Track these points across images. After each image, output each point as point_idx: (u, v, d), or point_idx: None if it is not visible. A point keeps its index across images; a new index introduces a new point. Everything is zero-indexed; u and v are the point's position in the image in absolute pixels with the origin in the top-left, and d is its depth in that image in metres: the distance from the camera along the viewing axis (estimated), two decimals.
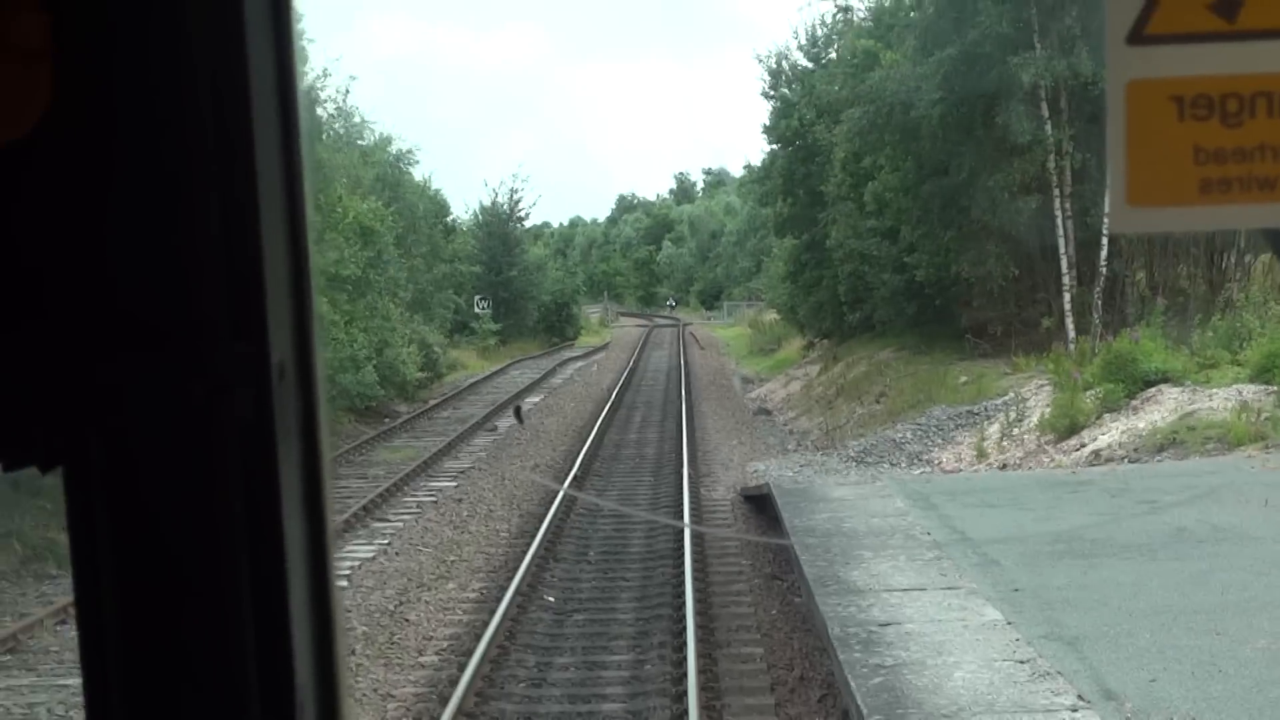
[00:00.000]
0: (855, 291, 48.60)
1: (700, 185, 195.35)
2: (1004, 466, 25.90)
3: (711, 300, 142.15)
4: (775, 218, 60.82)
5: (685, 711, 13.19)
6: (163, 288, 1.22)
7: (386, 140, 59.45)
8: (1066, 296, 37.18)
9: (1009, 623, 11.18)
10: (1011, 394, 31.50)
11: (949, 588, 12.58)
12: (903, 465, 29.24)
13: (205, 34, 1.21)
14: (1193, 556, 13.14)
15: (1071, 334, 36.66)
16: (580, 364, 69.29)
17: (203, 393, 1.22)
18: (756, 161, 64.00)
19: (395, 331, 44.36)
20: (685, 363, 65.04)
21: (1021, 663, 10.04)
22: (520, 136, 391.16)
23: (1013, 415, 28.82)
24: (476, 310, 74.04)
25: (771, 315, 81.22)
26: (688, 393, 49.18)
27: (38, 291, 1.22)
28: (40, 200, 1.22)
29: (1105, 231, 34.43)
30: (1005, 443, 27.69)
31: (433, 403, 47.79)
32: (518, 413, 43.67)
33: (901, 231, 40.49)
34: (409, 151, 60.91)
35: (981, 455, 27.32)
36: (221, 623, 1.26)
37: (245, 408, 1.24)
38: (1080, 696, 9.19)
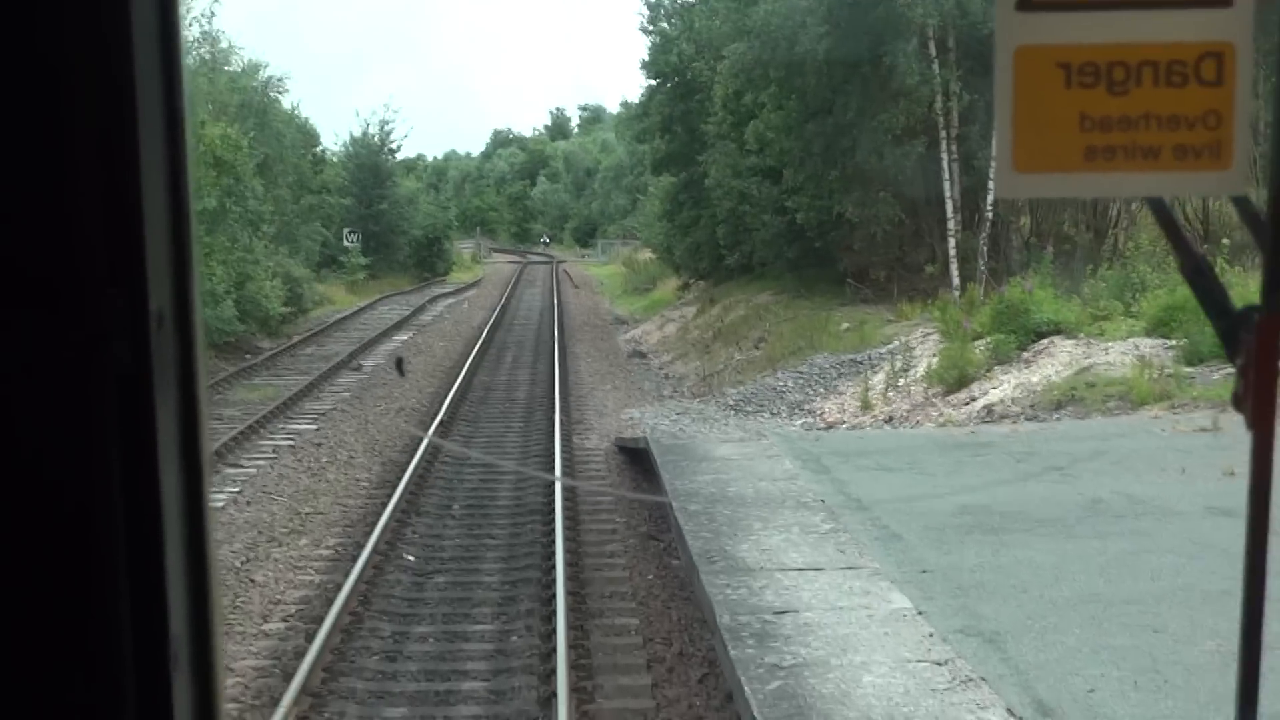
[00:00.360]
0: (734, 233, 47.40)
1: (576, 122, 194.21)
2: (890, 420, 24.85)
3: (586, 238, 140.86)
4: (653, 155, 59.37)
5: (554, 693, 11.92)
6: (37, 235, 1.18)
7: (255, 67, 57.12)
8: (951, 242, 36.21)
9: (920, 612, 9.93)
10: (896, 342, 30.50)
11: (849, 567, 11.31)
12: (783, 415, 28.15)
13: None
14: (1114, 534, 11.97)
15: (956, 281, 35.71)
16: (451, 300, 67.63)
17: (79, 342, 1.19)
18: (635, 98, 62.11)
19: (258, 265, 42.55)
20: (558, 301, 63.67)
21: (939, 664, 8.78)
22: (395, 69, 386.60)
23: (898, 365, 27.79)
24: (346, 244, 71.94)
25: (647, 254, 79.89)
26: (560, 333, 47.86)
27: None
28: None
29: (992, 179, 33.43)
30: (891, 394, 26.64)
31: (296, 338, 46.04)
32: (399, 365, 42.67)
33: (784, 173, 39.16)
34: (279, 79, 58.61)
35: (866, 406, 26.25)
36: (97, 573, 1.22)
37: (123, 357, 1.21)
38: (1010, 711, 7.94)
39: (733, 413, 28.77)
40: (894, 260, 37.70)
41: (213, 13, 78.07)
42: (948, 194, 35.98)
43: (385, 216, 79.27)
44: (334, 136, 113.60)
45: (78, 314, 1.20)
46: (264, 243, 44.39)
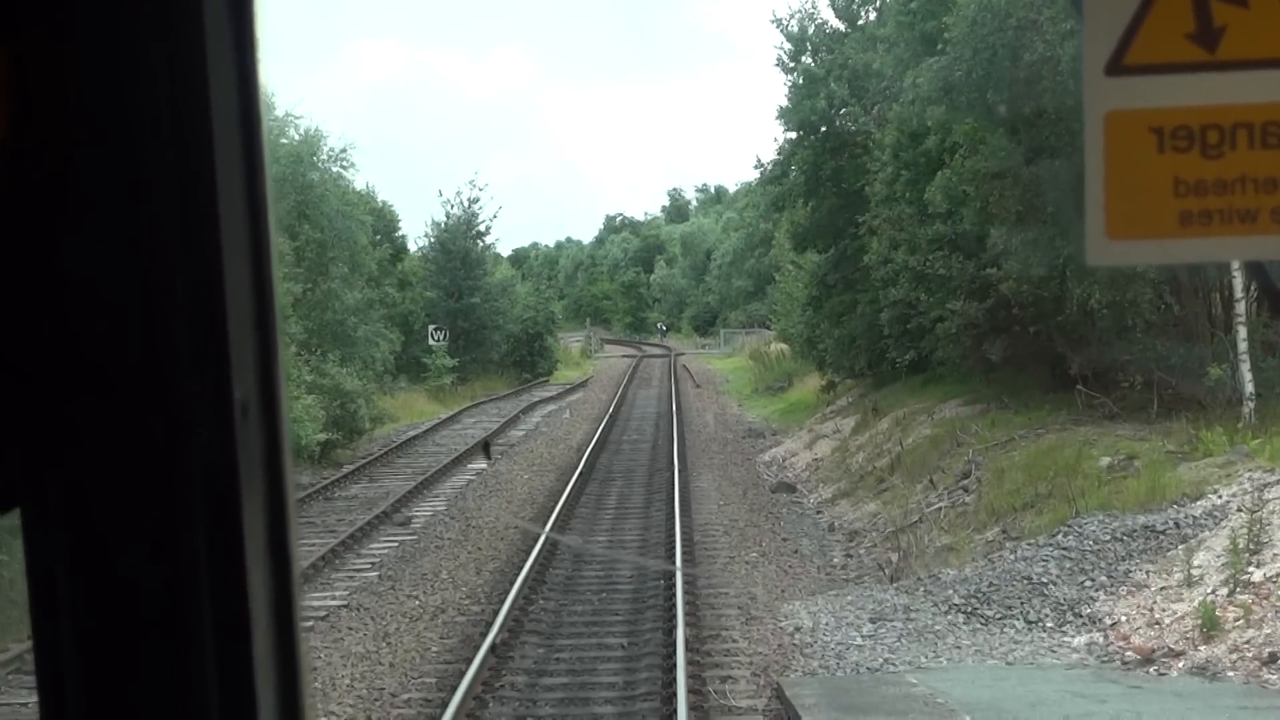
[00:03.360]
0: (903, 322, 36.54)
1: (694, 204, 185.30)
2: (1276, 658, 13.99)
3: (705, 326, 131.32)
4: (792, 228, 48.52)
5: None
6: (121, 324, 1.20)
7: (315, 137, 46.61)
8: (1241, 332, 25.01)
9: None
10: (1214, 496, 19.43)
11: None
12: (1048, 625, 17.35)
13: (168, 68, 1.20)
14: None
15: (1250, 389, 24.56)
16: (552, 408, 57.11)
17: (162, 432, 1.19)
18: (770, 156, 51.05)
19: (288, 379, 32.12)
20: (678, 406, 52.89)
21: None
22: (508, 158, 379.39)
23: (1240, 540, 16.79)
24: (430, 343, 61.76)
25: (779, 346, 69.07)
26: (681, 454, 37.22)
27: None
28: None
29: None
30: (1243, 596, 15.70)
31: (345, 470, 35.86)
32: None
33: (990, 238, 28.04)
34: (343, 151, 48.23)
35: (1210, 624, 15.30)
36: (184, 669, 1.23)
37: (207, 447, 1.22)
38: None
39: (962, 617, 17.94)
40: (1155, 359, 26.37)
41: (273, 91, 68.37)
42: (1234, 267, 24.62)
43: (476, 310, 68.93)
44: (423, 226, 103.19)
45: (161, 404, 1.18)
46: (292, 348, 34.10)
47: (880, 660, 16.27)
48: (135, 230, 1.19)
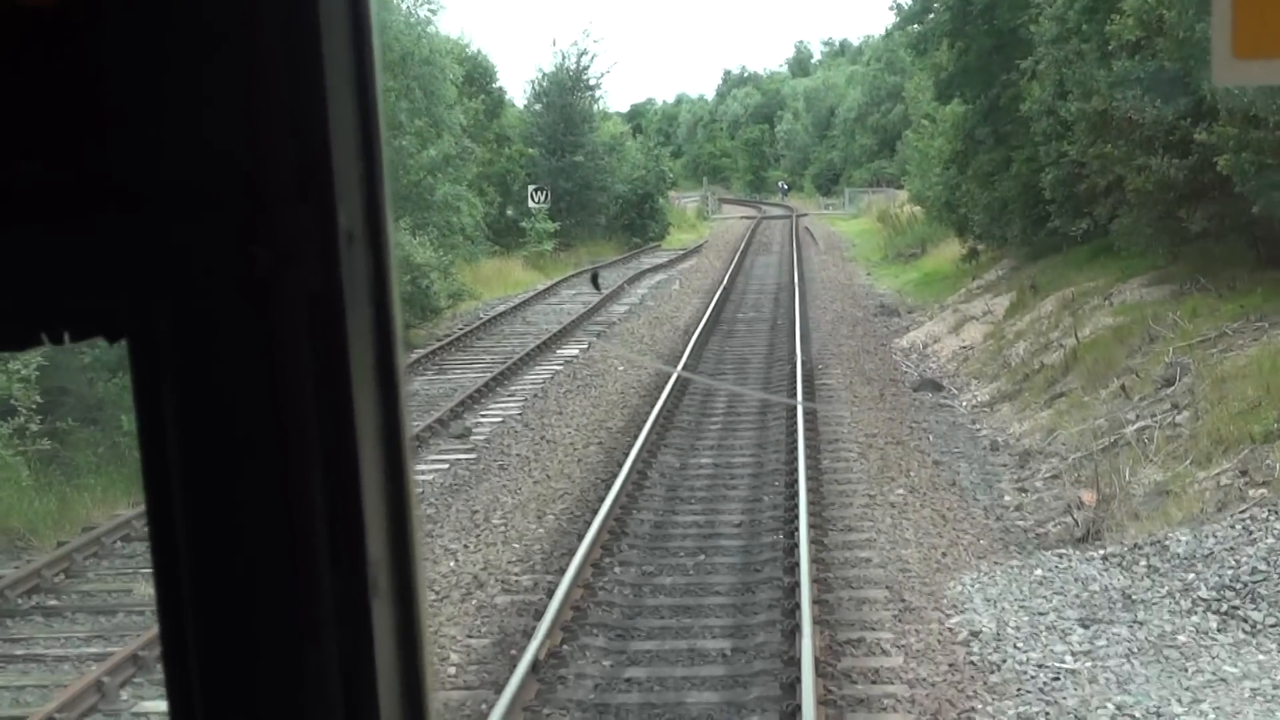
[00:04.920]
0: (1070, 184, 30.39)
1: (818, 58, 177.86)
2: None
3: (829, 185, 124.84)
4: (934, 74, 42.18)
5: None
6: (226, 154, 1.19)
7: None
8: None
9: None
10: None
11: None
12: None
13: None
14: None
15: None
16: (660, 277, 51.43)
17: (268, 259, 1.19)
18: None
19: None
20: (799, 276, 47.00)
21: None
22: (624, 8, 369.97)
23: None
24: (530, 205, 56.08)
25: (911, 209, 62.72)
26: (804, 340, 31.52)
27: (96, 162, 1.20)
28: (95, 66, 1.19)
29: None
30: None
31: (412, 356, 30.45)
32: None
33: (1194, 78, 21.80)
34: None
35: None
36: (294, 496, 1.23)
37: (312, 275, 1.22)
38: None
39: (1215, 619, 12.28)
40: None
41: None
42: None
43: (580, 169, 63.04)
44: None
45: (266, 232, 1.18)
46: None
47: (1112, 705, 10.68)
48: (241, 58, 1.16)
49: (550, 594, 13.65)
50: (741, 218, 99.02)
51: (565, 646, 12.55)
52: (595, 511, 16.66)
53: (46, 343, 1.23)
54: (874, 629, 12.85)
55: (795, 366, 27.13)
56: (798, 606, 12.82)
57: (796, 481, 17.67)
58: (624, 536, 16.17)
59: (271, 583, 1.23)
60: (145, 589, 14.90)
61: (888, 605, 13.48)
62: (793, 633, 12.39)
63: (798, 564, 14.11)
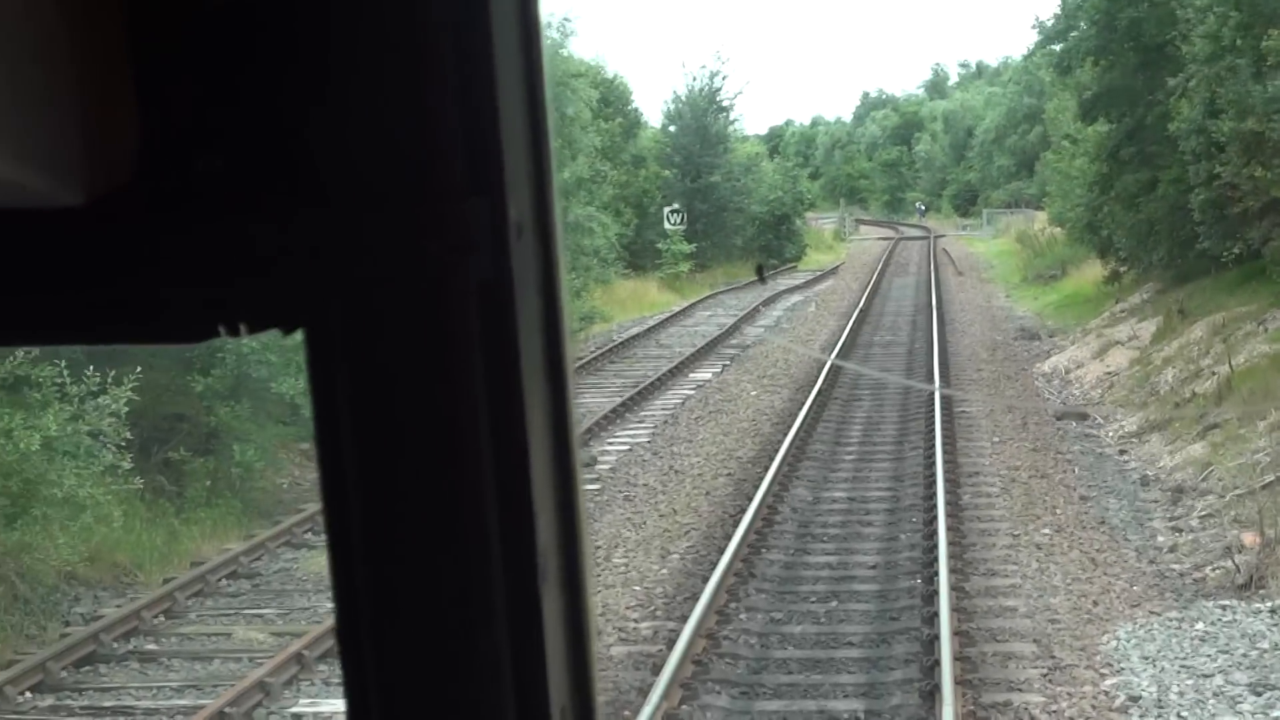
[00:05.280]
0: (1221, 205, 28.84)
1: (955, 80, 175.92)
2: None
3: (966, 206, 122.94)
4: (1078, 93, 40.62)
5: None
6: (400, 148, 1.20)
7: None
8: None
9: None
10: None
11: None
12: None
13: None
14: None
15: None
16: (796, 299, 50.23)
17: (441, 251, 1.20)
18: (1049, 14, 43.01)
19: None
20: (937, 300, 45.58)
21: None
22: (761, 33, 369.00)
23: None
24: (666, 226, 55.15)
25: (1050, 230, 60.88)
26: (942, 364, 30.28)
27: (274, 158, 1.23)
28: (278, 65, 1.22)
29: None
30: None
31: None
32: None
33: None
34: (564, 19, 42.08)
35: None
36: (460, 481, 1.22)
37: (484, 266, 1.21)
38: None
39: None
40: None
41: None
42: None
43: (716, 190, 62.09)
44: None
45: (441, 225, 1.19)
46: None
47: None
48: (416, 60, 1.18)
49: (671, 645, 12.63)
50: (879, 239, 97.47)
51: (684, 707, 11.47)
52: (722, 551, 15.62)
53: (223, 335, 1.24)
54: (1021, 690, 11.68)
55: (933, 393, 25.86)
56: (937, 664, 11.67)
57: (935, 519, 16.50)
58: (751, 579, 15.11)
59: (445, 570, 1.23)
60: (244, 633, 14.20)
61: (1036, 662, 12.29)
62: (932, 694, 11.24)
63: (937, 614, 12.96)
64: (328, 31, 1.19)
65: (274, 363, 20.68)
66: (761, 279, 38.22)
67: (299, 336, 1.21)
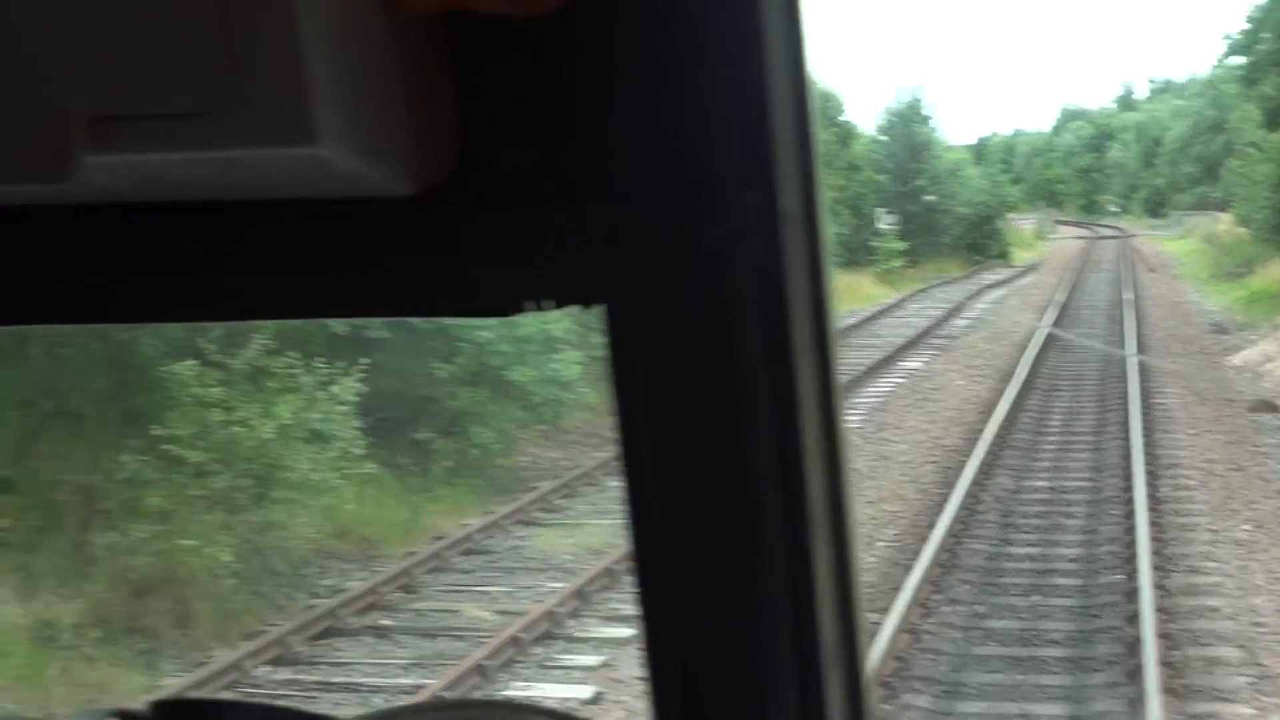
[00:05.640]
0: None
1: (1143, 94, 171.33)
2: None
3: (1156, 208, 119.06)
4: (1263, 103, 38.10)
5: None
6: (684, 144, 1.23)
7: None
8: None
9: None
10: None
11: None
12: None
13: None
14: None
15: None
16: (1000, 293, 48.12)
17: (720, 237, 1.23)
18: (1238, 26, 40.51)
19: None
20: (1132, 294, 43.11)
21: None
22: (966, 48, 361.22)
23: None
24: (880, 226, 53.61)
25: (1237, 230, 57.57)
26: (1140, 347, 28.19)
27: (576, 152, 1.26)
28: (578, 70, 1.25)
29: None
30: None
31: None
32: None
33: None
34: None
35: None
36: (742, 441, 1.23)
37: (758, 251, 1.24)
38: None
39: None
40: None
41: None
42: None
43: (924, 193, 60.44)
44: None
45: (721, 213, 1.21)
46: None
47: None
48: (696, 64, 1.21)
49: (872, 637, 11.24)
50: (1075, 238, 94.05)
51: (884, 706, 10.11)
52: (925, 539, 14.17)
53: (529, 309, 1.28)
54: (1229, 699, 10.04)
55: (1127, 385, 23.93)
56: (1141, 668, 10.12)
57: (1134, 512, 14.83)
58: (954, 569, 13.63)
59: (729, 520, 1.25)
60: (473, 611, 13.21)
61: (1242, 669, 10.64)
62: (1137, 702, 9.70)
63: (1138, 613, 11.37)
64: (620, 43, 1.19)
65: (508, 353, 20.27)
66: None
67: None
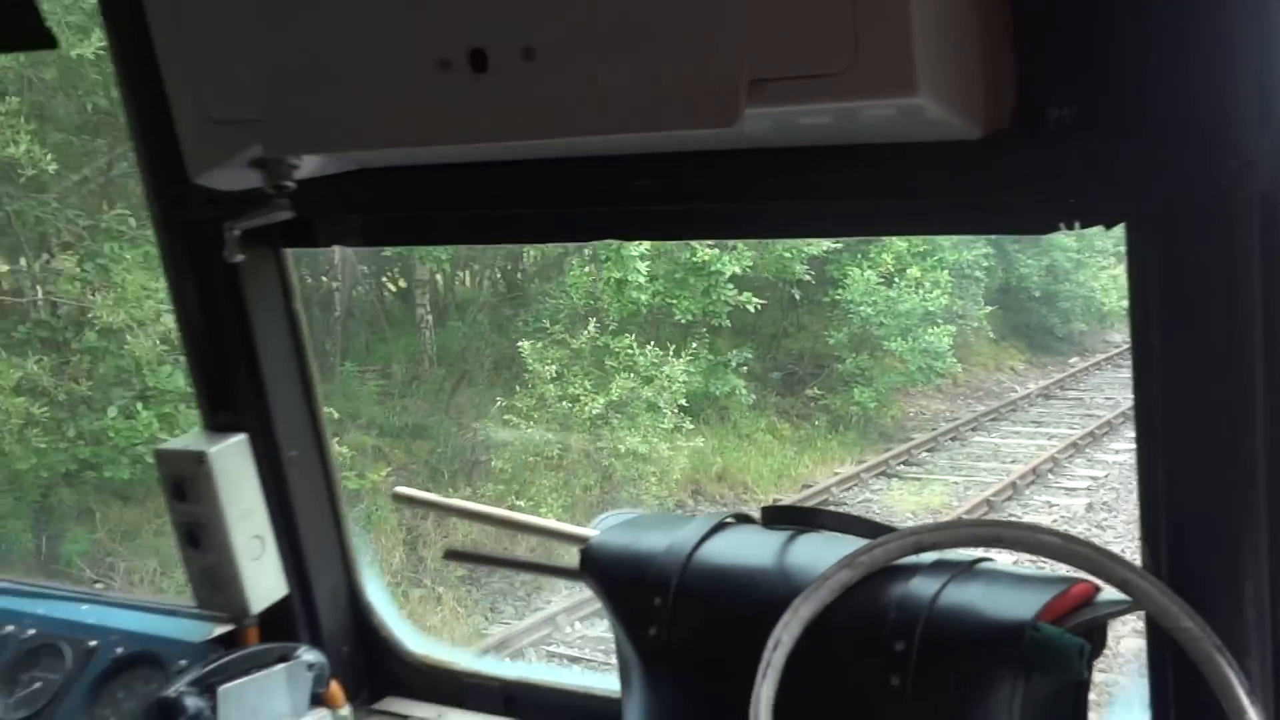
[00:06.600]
0: None
1: None
2: None
3: None
4: None
5: None
6: (1204, 91, 1.35)
7: None
8: None
9: None
10: None
11: None
12: None
13: None
14: None
15: None
16: None
17: (1233, 166, 1.36)
18: None
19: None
20: None
21: None
22: None
23: None
24: None
25: None
26: None
27: (1114, 95, 1.39)
28: (1116, 28, 1.39)
29: None
30: None
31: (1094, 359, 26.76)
32: None
33: None
34: None
35: None
36: (1234, 343, 1.39)
37: (1264, 179, 1.36)
38: None
39: None
40: None
41: None
42: None
43: None
44: None
45: (1233, 146, 1.34)
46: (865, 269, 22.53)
47: None
48: (1219, 24, 1.30)
49: None
50: None
51: None
52: None
53: (1062, 230, 1.50)
54: None
55: None
56: None
57: None
58: None
59: (1224, 423, 1.45)
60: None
61: None
62: None
63: None
64: (1154, 7, 1.40)
65: (889, 325, 21.56)
66: None
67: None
